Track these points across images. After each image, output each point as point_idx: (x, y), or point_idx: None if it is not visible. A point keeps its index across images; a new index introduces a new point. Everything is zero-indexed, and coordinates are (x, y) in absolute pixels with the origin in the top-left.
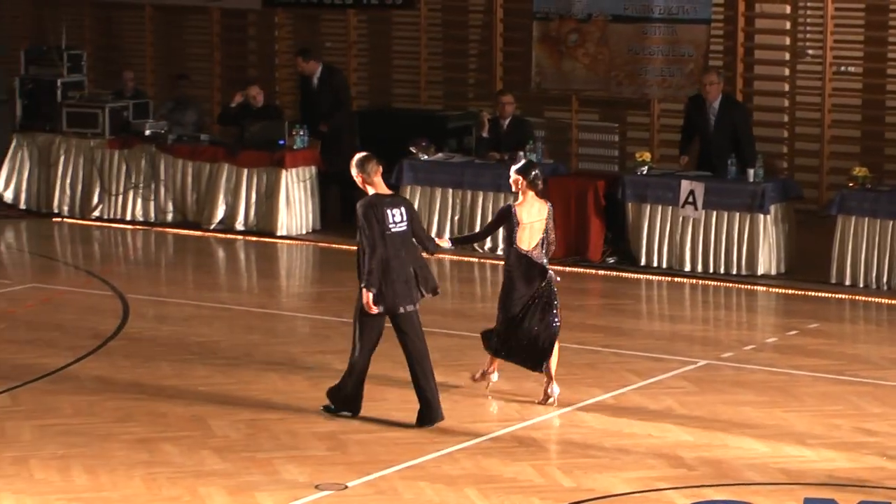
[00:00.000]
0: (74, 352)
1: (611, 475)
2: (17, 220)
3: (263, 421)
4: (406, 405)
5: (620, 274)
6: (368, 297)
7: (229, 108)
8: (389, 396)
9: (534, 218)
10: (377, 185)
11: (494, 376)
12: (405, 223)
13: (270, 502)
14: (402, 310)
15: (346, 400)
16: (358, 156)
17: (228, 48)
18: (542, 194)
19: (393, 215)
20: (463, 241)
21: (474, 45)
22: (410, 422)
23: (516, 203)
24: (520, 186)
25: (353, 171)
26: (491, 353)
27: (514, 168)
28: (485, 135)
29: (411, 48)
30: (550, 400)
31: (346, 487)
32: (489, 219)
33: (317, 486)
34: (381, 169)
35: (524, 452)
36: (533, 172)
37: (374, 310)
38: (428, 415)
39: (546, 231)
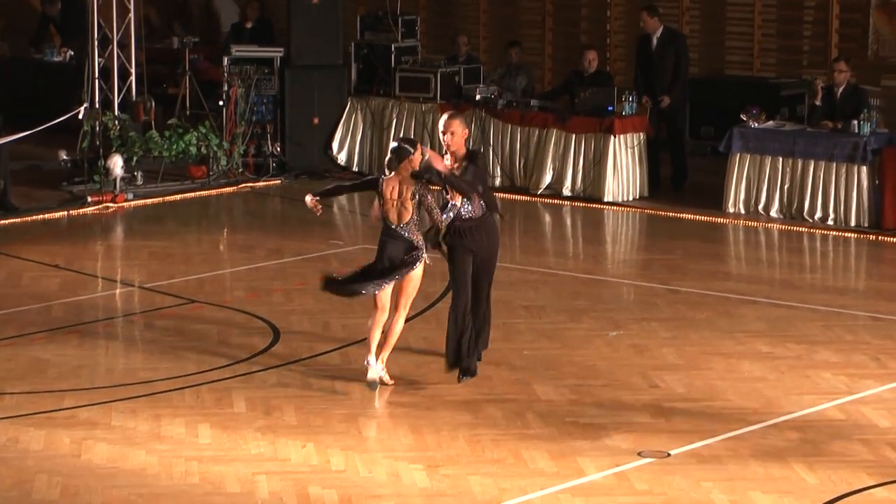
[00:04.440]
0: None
1: None
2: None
3: (588, 387)
4: (731, 376)
5: None
6: None
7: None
8: (715, 366)
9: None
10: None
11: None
12: None
13: (593, 468)
14: None
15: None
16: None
17: (561, 14)
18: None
19: None
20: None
21: (809, 11)
22: (735, 393)
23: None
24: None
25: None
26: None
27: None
28: (818, 103)
29: (745, 14)
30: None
31: (669, 455)
32: (818, 188)
33: (639, 454)
34: None
35: (852, 427)
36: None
37: None
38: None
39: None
